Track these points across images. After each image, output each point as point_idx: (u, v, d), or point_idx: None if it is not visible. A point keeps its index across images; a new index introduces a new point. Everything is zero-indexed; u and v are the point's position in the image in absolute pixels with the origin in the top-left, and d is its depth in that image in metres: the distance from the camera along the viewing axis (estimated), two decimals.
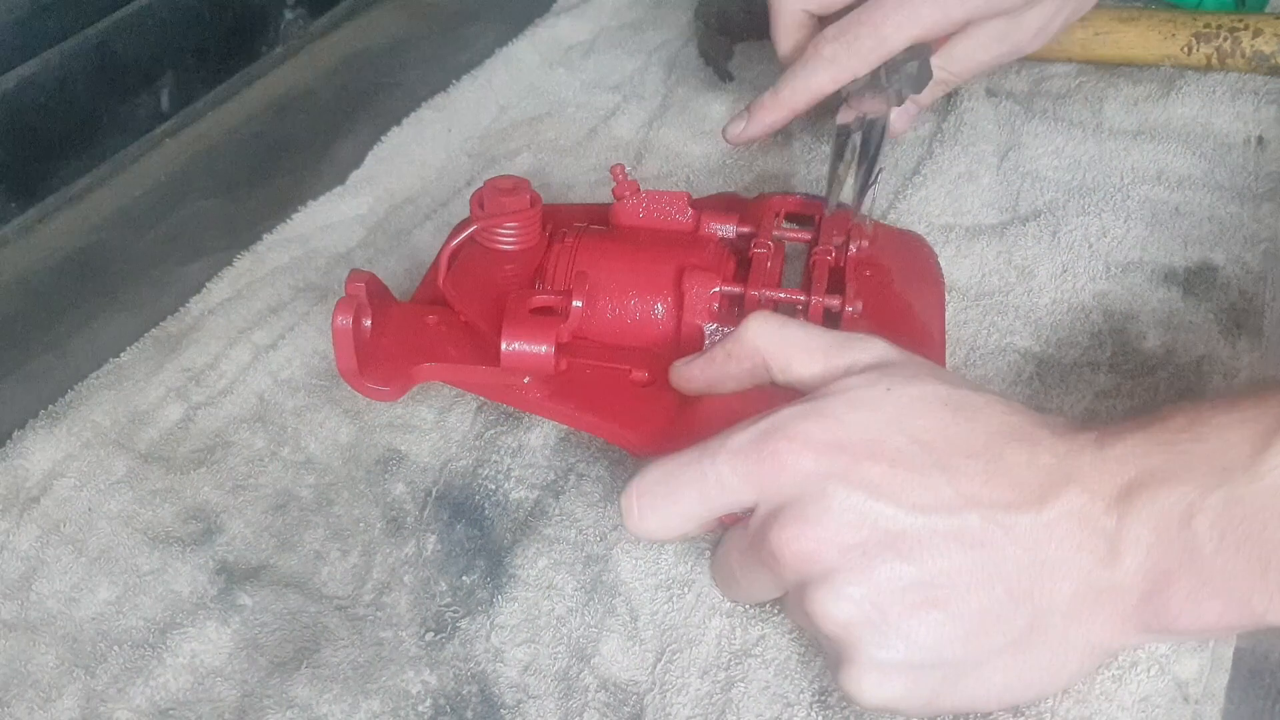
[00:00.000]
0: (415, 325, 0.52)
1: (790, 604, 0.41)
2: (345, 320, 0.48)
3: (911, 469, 0.38)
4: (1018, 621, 0.38)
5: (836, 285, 0.52)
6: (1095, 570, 0.37)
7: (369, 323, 0.50)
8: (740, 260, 0.53)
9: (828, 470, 0.38)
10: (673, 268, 0.51)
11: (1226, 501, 0.36)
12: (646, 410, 0.49)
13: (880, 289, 0.53)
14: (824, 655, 0.43)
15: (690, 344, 0.51)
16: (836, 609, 0.38)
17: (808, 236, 0.55)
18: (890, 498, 0.38)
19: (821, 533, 0.38)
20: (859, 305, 0.50)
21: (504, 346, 0.48)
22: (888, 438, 0.39)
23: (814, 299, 0.51)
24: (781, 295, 0.51)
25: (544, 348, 0.48)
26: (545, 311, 0.49)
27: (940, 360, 0.52)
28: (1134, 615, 0.38)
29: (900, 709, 0.39)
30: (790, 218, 0.57)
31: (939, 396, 0.40)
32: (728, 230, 0.55)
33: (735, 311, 0.51)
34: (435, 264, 0.55)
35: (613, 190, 0.55)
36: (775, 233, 0.54)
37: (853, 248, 0.53)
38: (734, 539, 0.43)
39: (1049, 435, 0.39)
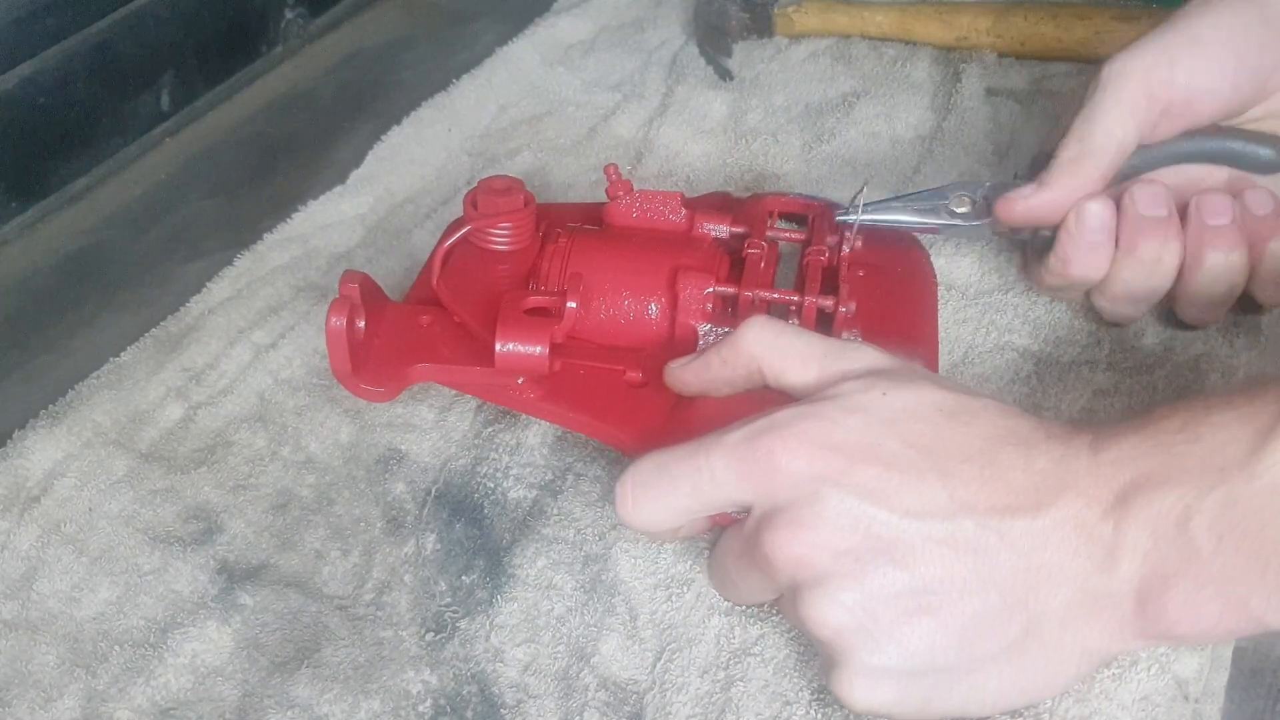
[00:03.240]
0: (409, 326, 0.52)
1: (785, 606, 0.42)
2: (339, 321, 0.48)
3: (906, 473, 0.38)
4: (1012, 628, 0.38)
5: (830, 285, 0.52)
6: (1092, 577, 0.37)
7: (363, 324, 0.50)
8: (734, 260, 0.53)
9: (822, 473, 0.38)
10: (667, 268, 0.51)
11: (1224, 502, 0.35)
12: (640, 411, 0.49)
13: (873, 289, 0.53)
14: (819, 658, 0.43)
15: (684, 344, 0.51)
16: (829, 614, 0.38)
17: (801, 237, 0.55)
18: (884, 502, 0.38)
19: (815, 537, 0.38)
20: (852, 306, 0.50)
21: (498, 347, 0.48)
22: (883, 442, 0.39)
23: (807, 300, 0.51)
24: (775, 296, 0.51)
25: (538, 349, 0.48)
26: (539, 312, 0.49)
27: (934, 359, 0.52)
28: (1131, 621, 0.37)
29: (893, 714, 0.39)
30: (784, 217, 0.57)
31: (934, 401, 0.40)
32: (721, 230, 0.55)
33: (729, 312, 0.51)
34: (428, 264, 0.55)
35: (606, 190, 0.55)
36: (769, 233, 0.54)
37: (845, 248, 0.53)
38: (730, 541, 0.43)
39: (1044, 439, 0.39)
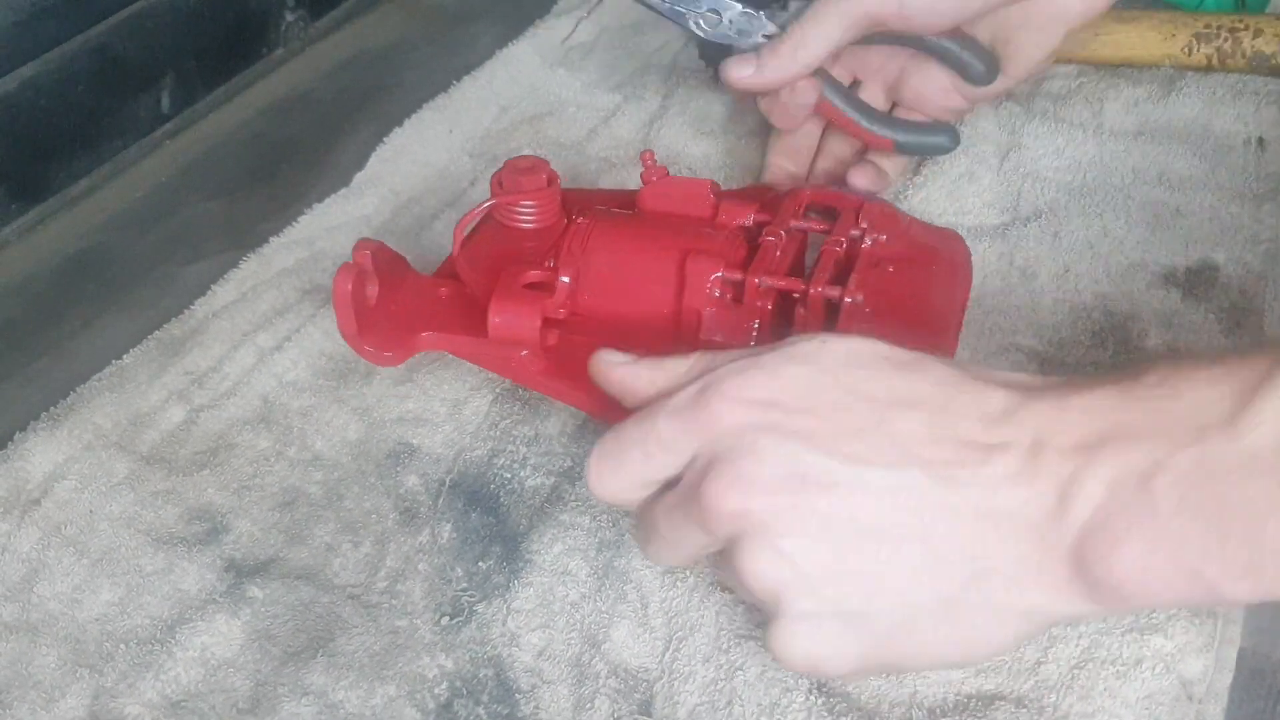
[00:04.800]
0: (426, 295, 0.53)
1: (721, 563, 0.40)
2: (345, 285, 0.50)
3: (847, 421, 0.37)
4: (954, 578, 0.36)
5: (845, 277, 0.51)
6: (1040, 525, 0.35)
7: (375, 290, 0.51)
8: (756, 249, 0.53)
9: (759, 423, 0.38)
10: (679, 251, 0.52)
11: (1196, 462, 0.33)
12: None
13: (896, 286, 0.52)
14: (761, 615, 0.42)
15: (689, 328, 0.51)
16: (768, 564, 0.37)
17: (825, 226, 0.54)
18: (824, 449, 0.37)
19: (753, 485, 0.37)
20: (859, 297, 0.49)
21: (491, 318, 0.49)
22: (823, 391, 0.38)
23: (813, 289, 0.50)
24: (780, 283, 0.51)
25: (530, 321, 0.48)
26: (538, 287, 0.50)
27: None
28: (1076, 579, 0.35)
29: (828, 667, 0.38)
30: (818, 209, 0.56)
31: (879, 352, 0.39)
32: (746, 218, 0.54)
33: (737, 298, 0.51)
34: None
35: (641, 175, 0.55)
36: (793, 222, 0.54)
37: (868, 240, 0.53)
38: (662, 497, 0.41)
39: (999, 387, 0.37)
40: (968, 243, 0.60)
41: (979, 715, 0.41)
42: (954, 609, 0.37)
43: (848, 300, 0.50)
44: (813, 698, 0.42)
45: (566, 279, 0.50)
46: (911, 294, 0.53)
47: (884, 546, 0.36)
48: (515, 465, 0.51)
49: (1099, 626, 0.43)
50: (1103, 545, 0.35)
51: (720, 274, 0.51)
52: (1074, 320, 0.56)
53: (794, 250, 0.53)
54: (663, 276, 0.52)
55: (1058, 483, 0.35)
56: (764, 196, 0.58)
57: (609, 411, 0.48)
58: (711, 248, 0.52)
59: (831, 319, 0.50)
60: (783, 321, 0.52)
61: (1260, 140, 0.63)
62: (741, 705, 0.42)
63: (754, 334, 0.50)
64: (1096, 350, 0.54)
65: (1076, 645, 0.43)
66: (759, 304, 0.50)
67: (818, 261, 0.52)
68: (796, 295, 0.51)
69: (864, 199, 0.56)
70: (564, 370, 0.50)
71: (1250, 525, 0.33)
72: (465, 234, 0.54)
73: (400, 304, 0.53)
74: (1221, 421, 0.33)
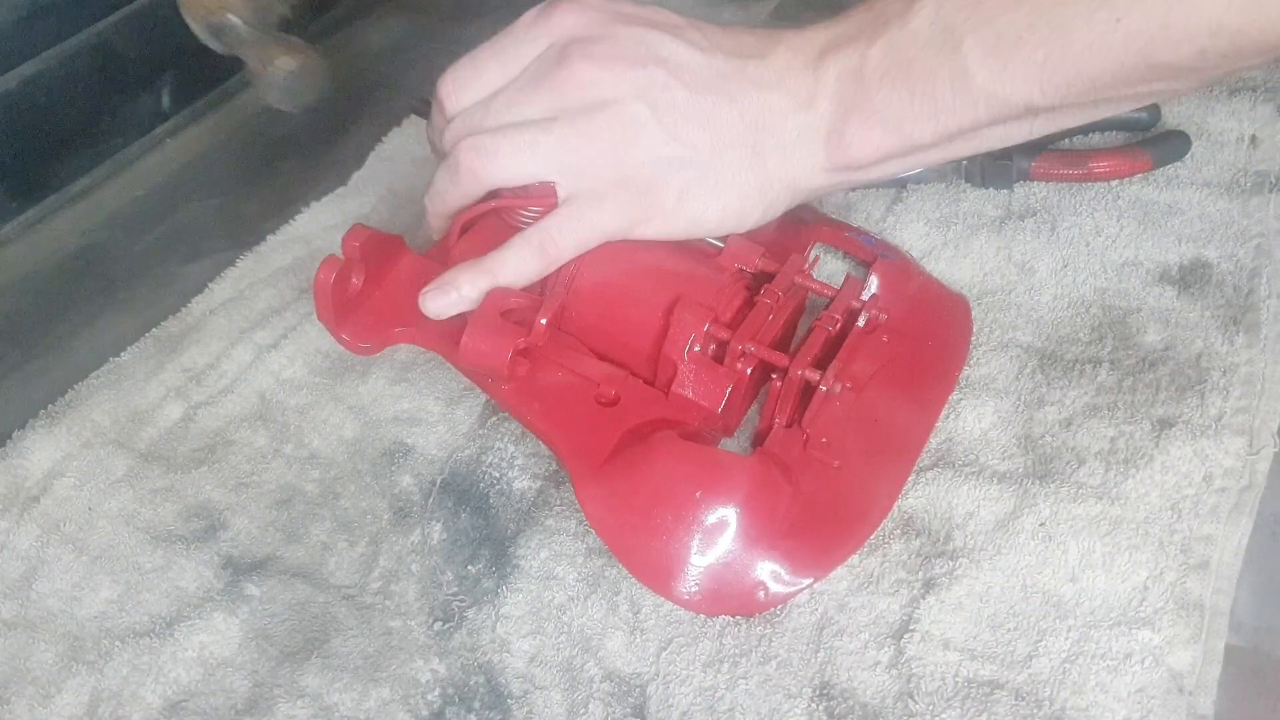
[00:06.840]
0: (414, 283, 0.52)
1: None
2: (328, 276, 0.51)
3: (675, 24, 0.51)
4: (747, 143, 0.49)
5: (835, 350, 0.49)
6: (799, 112, 0.49)
7: (360, 280, 0.52)
8: (752, 297, 0.51)
9: (613, 16, 0.50)
10: (670, 295, 0.50)
11: (885, 48, 0.47)
12: (597, 431, 0.48)
13: (887, 359, 0.51)
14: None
15: (665, 375, 0.49)
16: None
17: (830, 292, 0.52)
18: (667, 33, 0.50)
19: (608, 50, 0.49)
20: (837, 388, 0.48)
21: (463, 340, 0.48)
22: (641, 11, 0.51)
23: (794, 369, 0.48)
24: (764, 354, 0.49)
25: (501, 352, 0.48)
26: (519, 313, 0.49)
27: (918, 447, 0.50)
28: (823, 151, 0.49)
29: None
30: (834, 246, 0.56)
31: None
32: (751, 263, 0.52)
33: (719, 354, 0.49)
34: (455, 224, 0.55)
35: None
36: (797, 278, 0.52)
37: (864, 318, 0.51)
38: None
39: (785, 31, 0.51)
40: (965, 239, 0.60)
41: (980, 704, 0.42)
42: (747, 167, 0.50)
43: (822, 389, 0.48)
44: (815, 704, 0.42)
45: (545, 320, 0.49)
46: (901, 368, 0.51)
47: (701, 112, 0.49)
48: (503, 464, 0.51)
49: (1087, 619, 0.43)
50: (838, 123, 0.49)
51: (707, 326, 0.49)
52: (1073, 316, 0.55)
53: (791, 308, 0.51)
54: (648, 318, 0.50)
55: (806, 86, 0.49)
56: (779, 230, 0.56)
57: (566, 448, 0.48)
58: (705, 295, 0.49)
59: (807, 395, 0.48)
60: (760, 383, 0.51)
61: (1253, 138, 0.63)
62: (741, 710, 0.42)
63: (726, 398, 0.48)
64: (1095, 346, 0.54)
65: (1066, 638, 0.43)
66: (738, 367, 0.48)
67: (808, 335, 0.50)
68: (775, 375, 0.49)
69: (879, 251, 0.55)
70: (531, 394, 0.50)
71: (924, 81, 0.46)
72: (466, 228, 0.54)
73: (385, 293, 0.53)
74: (897, 18, 0.47)
